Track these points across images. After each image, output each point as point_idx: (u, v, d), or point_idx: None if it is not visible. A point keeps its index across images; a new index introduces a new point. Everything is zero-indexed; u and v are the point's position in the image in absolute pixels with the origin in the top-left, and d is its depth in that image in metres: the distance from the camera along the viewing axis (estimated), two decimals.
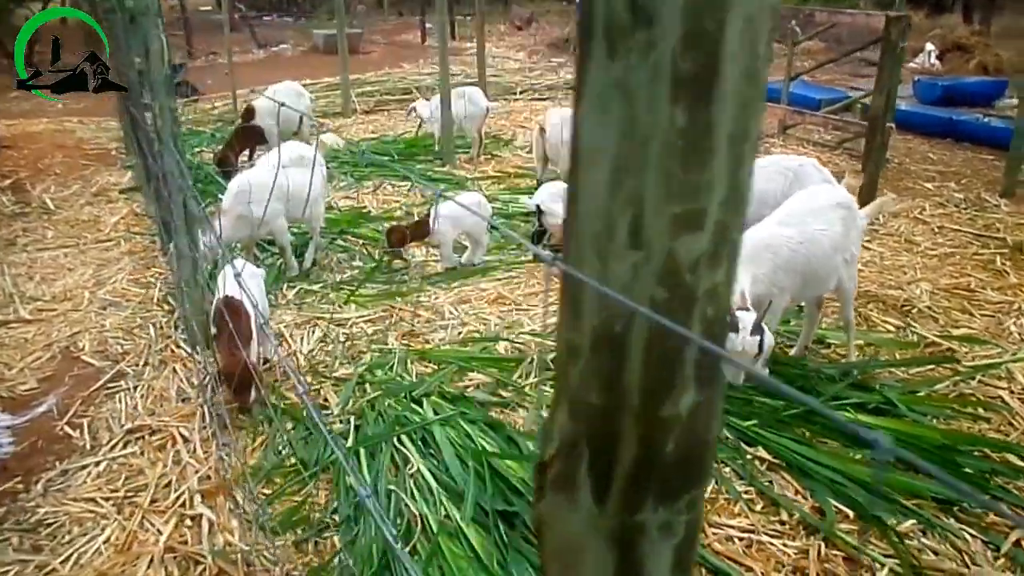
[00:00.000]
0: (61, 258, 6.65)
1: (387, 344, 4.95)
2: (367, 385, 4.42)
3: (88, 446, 4.05)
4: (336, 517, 3.43)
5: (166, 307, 5.55)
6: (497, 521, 3.28)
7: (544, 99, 13.02)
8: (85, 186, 8.68)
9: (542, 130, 7.29)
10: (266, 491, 3.62)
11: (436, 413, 4.09)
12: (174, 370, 4.67)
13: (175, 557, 3.22)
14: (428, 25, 19.28)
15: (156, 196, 6.35)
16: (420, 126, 9.93)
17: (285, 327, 5.14)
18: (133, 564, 3.19)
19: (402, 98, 12.45)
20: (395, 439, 3.88)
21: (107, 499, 3.61)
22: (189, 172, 4.53)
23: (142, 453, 3.94)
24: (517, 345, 4.92)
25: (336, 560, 3.16)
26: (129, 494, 3.64)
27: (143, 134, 6.19)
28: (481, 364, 4.66)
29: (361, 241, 6.84)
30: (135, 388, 4.52)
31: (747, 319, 3.64)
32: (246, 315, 4.16)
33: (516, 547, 3.17)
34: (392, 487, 3.55)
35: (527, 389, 4.40)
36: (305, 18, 24.99)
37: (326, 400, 4.32)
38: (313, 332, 5.15)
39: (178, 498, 3.57)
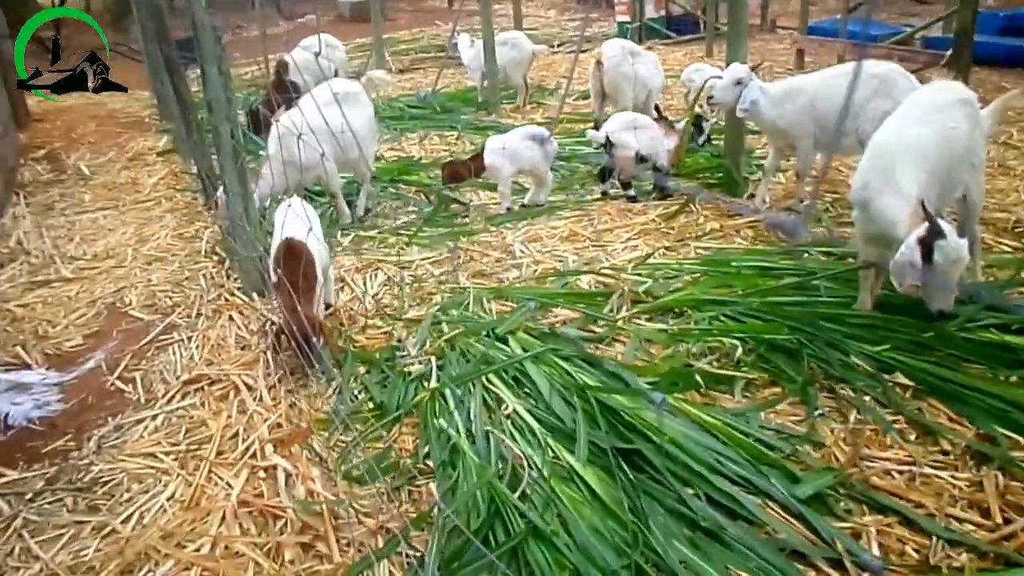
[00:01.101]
0: (101, 220, 6.24)
1: (458, 284, 4.46)
2: (443, 325, 3.93)
3: (143, 400, 3.62)
4: (429, 462, 2.96)
5: (215, 258, 5.10)
6: (619, 461, 2.78)
7: (584, 51, 12.38)
8: (120, 152, 8.27)
9: (599, 63, 6.71)
10: (344, 439, 3.16)
11: (524, 350, 3.59)
12: (230, 318, 4.22)
13: (250, 512, 2.77)
14: None
15: (196, 150, 5.91)
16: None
17: (345, 271, 4.67)
18: (203, 520, 2.75)
19: (438, 55, 11.89)
20: (483, 378, 3.39)
21: (168, 453, 3.17)
22: (233, 101, 4.05)
23: (202, 404, 3.50)
24: (602, 280, 4.41)
25: (435, 509, 2.69)
26: (192, 447, 3.20)
27: (180, 79, 5.73)
28: (566, 300, 4.16)
29: (414, 188, 6.35)
30: (189, 339, 4.09)
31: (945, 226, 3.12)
32: (309, 258, 3.68)
33: (645, 489, 2.67)
34: (489, 428, 3.07)
35: (620, 323, 3.89)
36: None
37: (399, 341, 3.85)
38: (375, 276, 4.67)
39: (247, 449, 3.12)
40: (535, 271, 4.60)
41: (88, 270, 5.18)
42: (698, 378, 3.32)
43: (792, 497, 2.64)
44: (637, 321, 3.94)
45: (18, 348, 4.14)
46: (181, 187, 6.81)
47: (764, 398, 3.27)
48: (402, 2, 20.56)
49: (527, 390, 3.35)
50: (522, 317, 3.89)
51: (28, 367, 3.99)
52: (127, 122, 9.58)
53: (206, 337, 4.06)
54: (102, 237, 5.80)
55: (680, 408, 3.10)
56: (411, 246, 5.04)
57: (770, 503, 2.65)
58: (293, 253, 3.60)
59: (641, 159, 5.59)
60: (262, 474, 2.98)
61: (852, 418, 3.10)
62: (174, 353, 3.97)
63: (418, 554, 2.50)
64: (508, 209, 5.62)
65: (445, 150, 7.40)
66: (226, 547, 2.62)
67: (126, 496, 2.96)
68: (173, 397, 3.58)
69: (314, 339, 3.36)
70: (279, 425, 3.26)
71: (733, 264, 4.40)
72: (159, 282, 4.86)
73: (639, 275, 4.37)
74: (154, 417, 3.45)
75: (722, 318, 3.84)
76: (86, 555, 2.68)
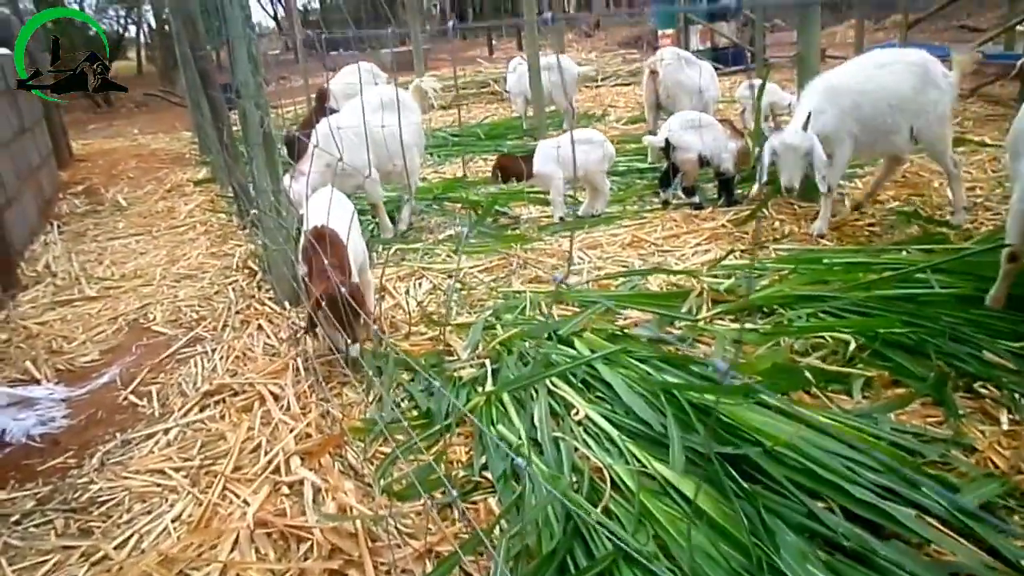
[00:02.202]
0: (133, 244, 5.88)
1: (510, 289, 3.95)
2: (497, 328, 3.40)
3: (156, 414, 3.13)
4: (487, 475, 2.40)
5: (246, 271, 4.66)
6: (727, 469, 2.19)
7: (627, 84, 12.03)
8: (159, 185, 8.00)
9: (653, 72, 6.25)
10: (384, 450, 2.62)
11: (592, 352, 3.04)
12: (259, 327, 3.75)
13: (269, 533, 2.23)
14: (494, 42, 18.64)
15: (229, 168, 5.55)
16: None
17: (387, 280, 4.18)
18: (212, 545, 2.21)
19: (479, 91, 11.62)
20: (548, 382, 2.84)
21: (178, 470, 2.66)
22: (264, 85, 3.64)
23: (222, 417, 3.00)
24: (674, 282, 3.85)
25: (497, 529, 2.12)
26: (206, 462, 2.68)
27: (219, 106, 5.39)
28: (635, 301, 3.61)
29: (459, 205, 5.89)
30: (213, 351, 3.61)
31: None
32: (341, 245, 3.22)
33: (764, 504, 2.07)
34: (559, 435, 2.51)
35: (701, 323, 3.33)
36: (371, 49, 24.65)
37: (448, 346, 3.32)
38: (420, 284, 4.18)
39: (270, 463, 2.59)
40: (596, 277, 4.06)
41: (113, 289, 4.78)
42: (808, 375, 2.73)
43: (957, 510, 2.02)
44: (720, 321, 3.37)
45: (28, 363, 3.70)
46: (218, 210, 6.44)
47: (888, 399, 2.66)
48: (443, 53, 20.59)
49: (600, 394, 2.78)
50: (589, 318, 3.35)
51: (37, 383, 3.54)
52: (168, 159, 9.38)
53: (231, 348, 3.58)
54: (132, 260, 5.42)
55: (789, 410, 2.50)
56: (458, 254, 4.55)
57: (927, 518, 2.03)
58: (323, 240, 3.13)
59: (704, 162, 5.07)
60: (285, 490, 2.44)
61: (1005, 419, 2.48)
62: (196, 365, 3.50)
63: None
64: (561, 219, 5.12)
65: (487, 171, 6.96)
66: (237, 575, 2.07)
67: (124, 517, 2.44)
68: (190, 410, 3.09)
69: (356, 302, 2.85)
70: (307, 435, 2.73)
71: (824, 261, 3.82)
72: (186, 298, 4.43)
73: (715, 276, 3.81)
74: (167, 431, 2.95)
75: (821, 315, 3.26)
76: None
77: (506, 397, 2.78)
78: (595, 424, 2.59)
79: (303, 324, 3.31)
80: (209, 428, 2.92)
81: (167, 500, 2.50)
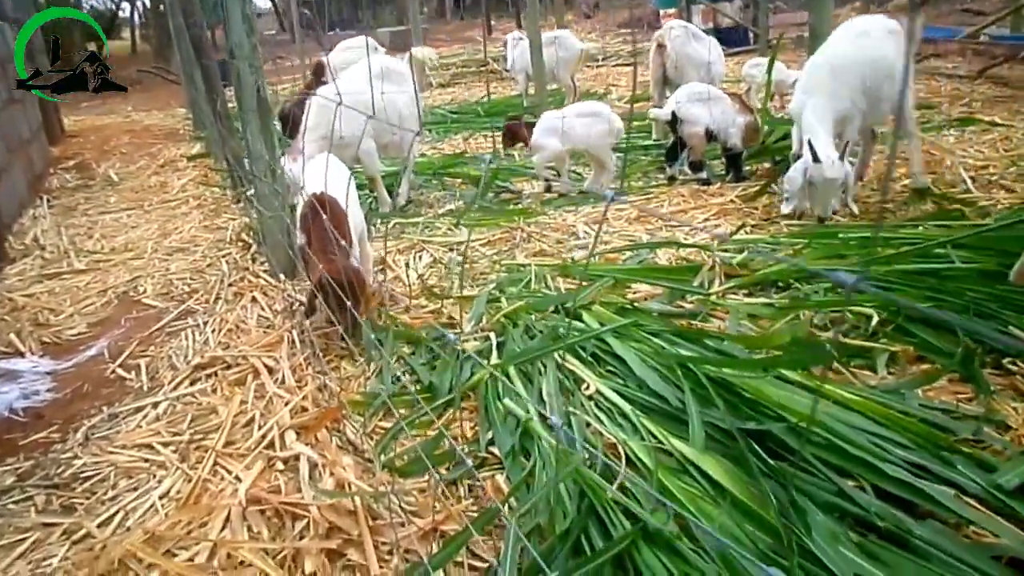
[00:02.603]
0: (124, 218, 5.71)
1: (515, 262, 3.80)
2: (502, 301, 3.26)
3: (145, 387, 2.98)
4: (495, 450, 2.26)
5: (240, 244, 4.51)
6: (751, 445, 2.06)
7: (629, 64, 11.83)
8: (152, 160, 7.81)
9: (660, 46, 6.07)
10: (385, 424, 2.48)
11: (602, 325, 2.90)
12: (253, 299, 3.60)
13: (262, 511, 2.09)
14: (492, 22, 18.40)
15: (223, 140, 5.38)
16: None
17: (387, 253, 4.03)
18: (202, 523, 2.07)
19: (480, 71, 11.41)
20: (556, 356, 2.70)
21: (167, 444, 2.52)
22: (259, 48, 3.47)
23: (214, 390, 2.85)
24: (683, 256, 3.71)
25: (506, 506, 1.98)
26: (197, 436, 2.54)
27: (214, 74, 5.21)
28: (645, 275, 3.47)
29: (459, 180, 5.73)
30: (205, 324, 3.46)
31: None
32: (342, 214, 3.06)
33: (797, 486, 1.93)
34: (572, 409, 2.37)
35: (714, 298, 3.18)
36: (369, 28, 24.34)
37: (451, 318, 3.18)
38: (420, 257, 4.03)
39: (264, 437, 2.45)
40: (604, 249, 3.91)
41: (103, 262, 4.62)
42: (830, 349, 2.59)
43: (995, 489, 1.89)
44: (732, 296, 3.23)
45: (12, 336, 3.55)
46: (212, 184, 6.27)
47: (914, 374, 2.53)
48: (441, 34, 20.35)
49: (611, 367, 2.64)
50: (598, 291, 3.21)
51: (21, 355, 3.39)
52: (161, 135, 9.18)
53: (224, 320, 3.43)
54: (123, 233, 5.25)
55: (813, 385, 2.36)
56: (460, 227, 4.40)
57: (964, 497, 1.90)
58: (322, 208, 2.97)
59: (711, 137, 4.92)
60: (280, 466, 2.30)
61: None
62: (187, 338, 3.35)
63: (486, 564, 1.80)
64: (548, 186, 4.95)
65: (490, 148, 6.80)
66: (228, 555, 1.93)
67: (110, 494, 2.30)
68: (181, 383, 2.94)
69: (358, 289, 2.71)
70: (303, 409, 2.59)
71: (840, 236, 3.68)
72: (178, 271, 4.27)
73: (727, 250, 3.66)
74: (155, 405, 2.80)
75: (840, 290, 3.12)
76: (49, 565, 2.01)
77: (512, 371, 2.64)
78: (607, 399, 2.45)
79: (302, 303, 3.16)
80: (200, 402, 2.77)
81: (155, 476, 2.36)
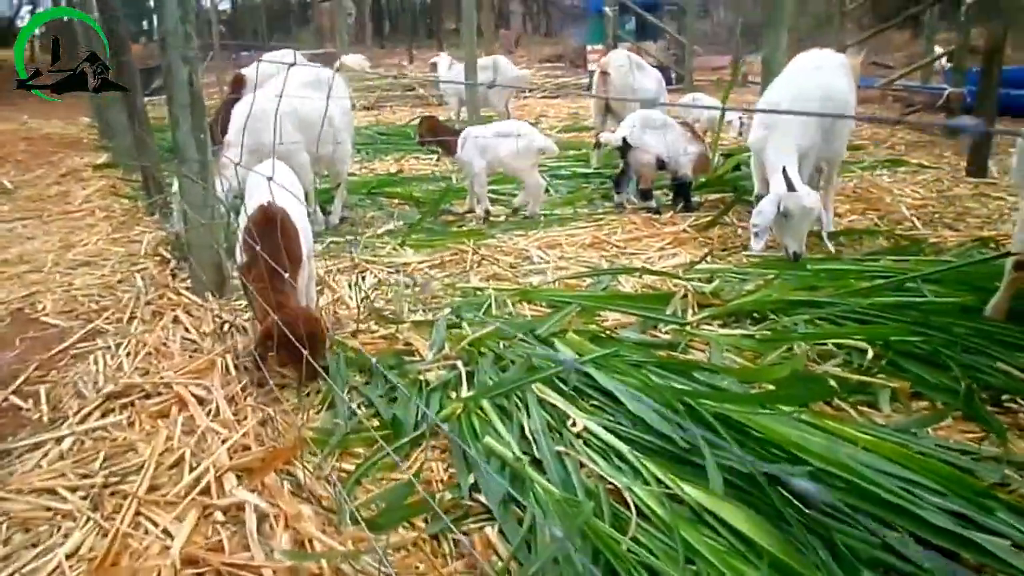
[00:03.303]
0: (19, 228, 5.09)
1: (471, 286, 3.49)
2: (463, 327, 2.94)
3: (46, 419, 2.50)
4: (480, 498, 1.93)
5: (157, 259, 4.03)
6: (780, 491, 1.80)
7: (555, 97, 11.79)
8: (52, 169, 7.12)
9: (604, 74, 5.93)
10: (346, 466, 2.12)
11: (579, 355, 2.63)
12: (175, 319, 3.15)
13: (200, 574, 1.69)
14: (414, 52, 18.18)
15: (140, 148, 4.89)
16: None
17: (325, 272, 3.65)
18: None
19: (404, 95, 11.12)
20: (534, 387, 2.40)
21: (74, 489, 2.07)
22: (193, 37, 3.07)
23: (131, 423, 2.41)
24: (649, 283, 3.49)
25: (506, 564, 1.66)
26: (112, 479, 2.10)
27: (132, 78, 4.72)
28: (613, 302, 3.22)
29: (396, 200, 5.39)
30: (117, 346, 2.99)
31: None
32: (293, 230, 2.69)
33: (834, 539, 1.68)
34: (563, 448, 2.07)
35: (689, 328, 2.96)
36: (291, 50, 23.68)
37: (408, 344, 2.84)
38: (363, 278, 3.67)
39: (197, 481, 2.04)
40: (561, 275, 3.66)
41: None
42: (833, 384, 2.39)
43: None
44: (707, 327, 3.01)
45: None
46: (121, 195, 5.71)
47: (918, 412, 2.35)
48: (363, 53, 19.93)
49: (596, 402, 2.36)
50: (567, 318, 2.94)
51: None
52: (63, 143, 8.45)
53: (141, 342, 2.97)
54: (18, 245, 4.66)
55: (819, 423, 2.15)
56: (403, 248, 4.06)
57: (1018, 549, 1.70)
58: (272, 223, 2.59)
59: (661, 165, 4.77)
60: (220, 517, 1.90)
61: None
62: (96, 362, 2.87)
63: None
64: (486, 215, 4.69)
65: (424, 170, 6.50)
66: None
67: (2, 552, 1.84)
68: (90, 415, 2.48)
69: (318, 340, 2.34)
70: (244, 448, 2.19)
71: (809, 267, 3.54)
72: (83, 286, 3.76)
73: (694, 279, 3.47)
74: (59, 441, 2.33)
75: (819, 321, 2.96)
76: None
77: (486, 404, 2.33)
78: (598, 438, 2.16)
79: (236, 327, 2.75)
80: (114, 437, 2.32)
81: (60, 529, 1.91)
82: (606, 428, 2.20)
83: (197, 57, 3.14)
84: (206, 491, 2.00)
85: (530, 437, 2.15)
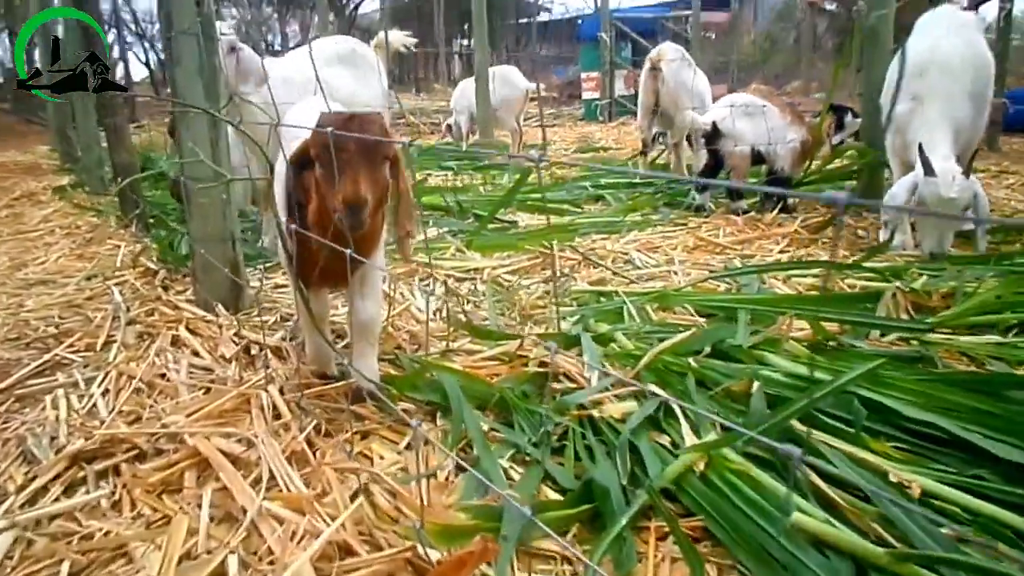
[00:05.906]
0: None
1: (584, 290, 2.52)
2: (621, 338, 1.96)
3: None
4: None
5: (140, 270, 2.98)
6: None
7: (552, 125, 10.99)
8: (4, 194, 5.99)
9: (654, 69, 5.04)
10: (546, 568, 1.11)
11: (812, 371, 1.66)
12: (175, 340, 2.11)
13: None
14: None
15: (118, 126, 3.88)
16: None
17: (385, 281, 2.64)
18: None
19: (395, 122, 10.21)
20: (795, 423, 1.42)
21: None
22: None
23: (116, 505, 1.36)
24: (811, 284, 2.56)
25: None
26: None
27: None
28: (800, 306, 2.26)
29: (426, 211, 4.41)
30: (88, 381, 1.94)
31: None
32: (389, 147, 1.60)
33: None
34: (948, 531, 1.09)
35: (933, 335, 2.02)
36: None
37: (542, 364, 1.84)
38: (431, 285, 2.67)
39: None
40: (689, 275, 2.71)
41: None
42: None
43: None
44: (940, 333, 2.08)
45: None
46: (87, 208, 4.64)
47: None
48: None
49: (896, 440, 1.40)
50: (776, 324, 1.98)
51: None
52: (18, 169, 7.32)
53: (124, 375, 1.93)
54: None
55: None
56: (469, 252, 3.08)
57: None
58: (349, 128, 1.52)
59: (758, 158, 3.89)
60: None
61: None
62: (55, 406, 1.82)
63: None
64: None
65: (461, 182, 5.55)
66: None
67: None
68: (44, 491, 1.44)
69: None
70: (345, 551, 1.16)
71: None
72: (37, 308, 2.69)
73: (864, 276, 2.56)
74: None
75: None
76: None
77: (730, 453, 1.34)
78: (955, 503, 1.19)
79: (267, 347, 1.73)
80: (88, 531, 1.28)
81: None
82: (956, 485, 1.24)
83: None
84: None
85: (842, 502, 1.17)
